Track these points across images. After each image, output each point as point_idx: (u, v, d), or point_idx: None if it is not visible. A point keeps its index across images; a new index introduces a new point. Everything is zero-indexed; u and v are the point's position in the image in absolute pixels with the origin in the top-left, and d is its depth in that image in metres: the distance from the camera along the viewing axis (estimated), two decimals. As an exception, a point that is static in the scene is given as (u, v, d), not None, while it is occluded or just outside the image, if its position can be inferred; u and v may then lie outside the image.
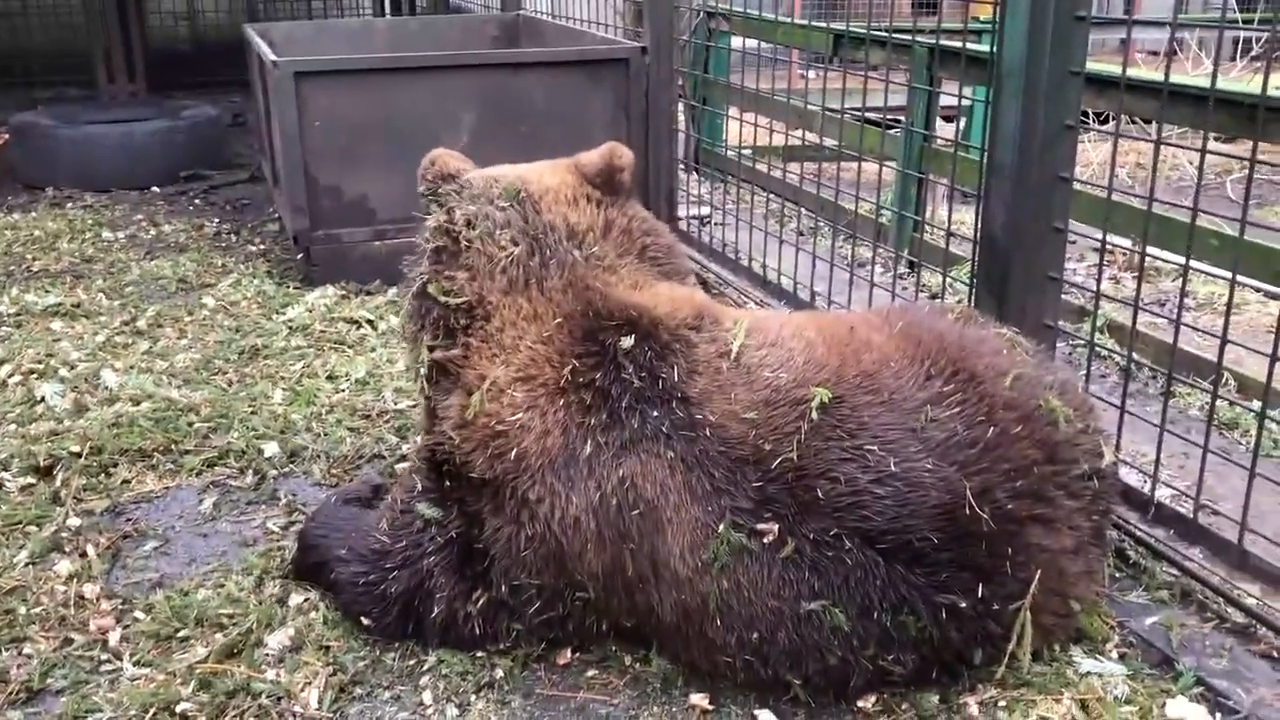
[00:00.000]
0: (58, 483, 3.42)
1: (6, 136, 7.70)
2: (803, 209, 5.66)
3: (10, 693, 2.54)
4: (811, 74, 7.82)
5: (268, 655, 2.67)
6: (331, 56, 5.70)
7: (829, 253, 4.63)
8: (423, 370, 2.72)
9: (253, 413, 3.91)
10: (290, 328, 4.73)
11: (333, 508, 2.95)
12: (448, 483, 2.60)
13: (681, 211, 5.97)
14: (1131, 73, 3.26)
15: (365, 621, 2.70)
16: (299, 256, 5.40)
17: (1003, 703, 2.44)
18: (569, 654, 2.67)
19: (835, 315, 3.05)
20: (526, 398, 2.50)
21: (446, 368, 2.65)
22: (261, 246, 5.99)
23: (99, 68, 9.63)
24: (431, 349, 2.67)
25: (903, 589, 2.29)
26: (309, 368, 4.31)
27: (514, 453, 2.47)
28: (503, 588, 2.57)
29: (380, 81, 5.22)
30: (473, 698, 2.55)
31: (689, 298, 2.75)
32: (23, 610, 2.82)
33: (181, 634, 2.74)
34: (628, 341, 2.54)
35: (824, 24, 5.21)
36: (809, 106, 4.98)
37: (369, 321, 4.78)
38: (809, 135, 4.97)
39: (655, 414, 2.45)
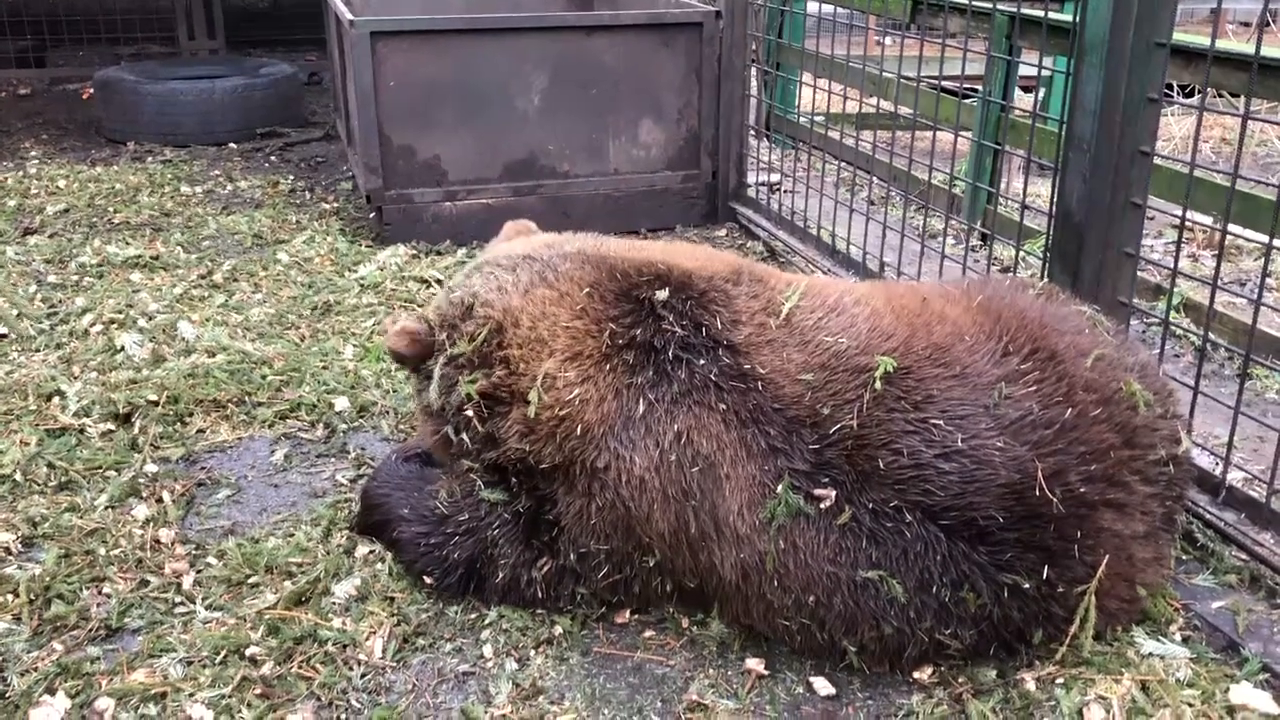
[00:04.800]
0: (136, 430, 3.53)
1: (91, 91, 7.87)
2: (874, 178, 5.59)
3: (91, 630, 2.64)
4: (888, 40, 7.70)
5: (334, 604, 2.74)
6: (407, 16, 5.73)
7: (900, 223, 4.57)
8: (468, 413, 2.61)
9: (324, 368, 3.98)
10: (361, 285, 4.80)
11: (394, 465, 3.00)
12: (514, 479, 2.63)
13: (751, 178, 5.94)
14: (1220, 44, 3.16)
15: (427, 580, 2.76)
16: (371, 215, 5.47)
17: (1060, 680, 2.43)
18: (627, 614, 2.71)
19: (908, 286, 3.02)
20: (578, 374, 2.50)
21: (495, 394, 2.59)
22: (335, 204, 6.08)
23: (180, 26, 9.79)
24: (473, 382, 2.60)
25: (964, 566, 2.28)
26: (379, 325, 4.37)
27: (578, 429, 2.48)
28: (570, 555, 2.60)
29: (454, 42, 5.25)
30: (532, 653, 2.59)
31: (720, 256, 2.75)
32: (102, 552, 2.92)
33: (252, 580, 2.82)
34: (663, 293, 2.55)
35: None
36: (884, 74, 4.91)
37: (438, 281, 4.84)
38: (883, 103, 4.90)
39: (702, 362, 2.45)
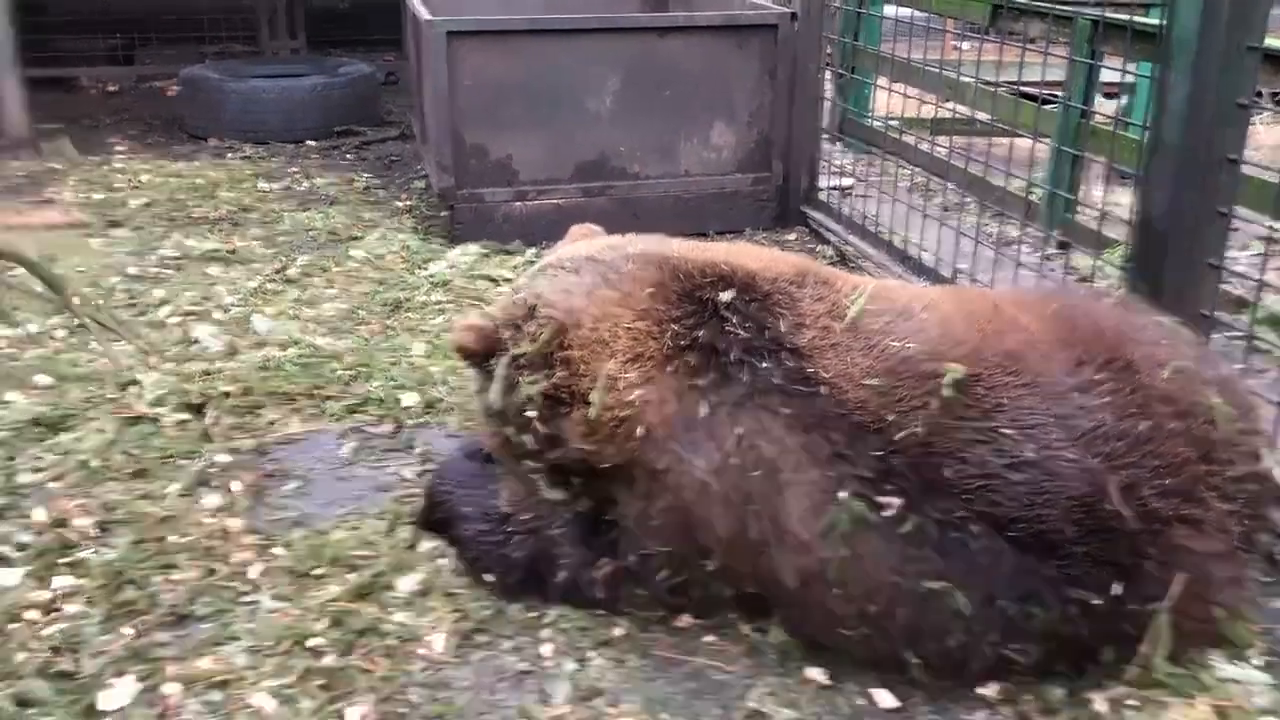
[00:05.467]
0: (208, 420, 3.59)
1: (177, 88, 8.06)
2: (949, 184, 5.50)
3: (160, 616, 2.69)
4: (965, 45, 7.58)
5: (396, 598, 2.76)
6: (483, 17, 5.78)
7: (974, 230, 4.49)
8: (529, 414, 2.60)
9: (393, 363, 4.02)
10: (432, 283, 4.85)
11: (458, 462, 3.01)
12: (575, 480, 2.62)
13: (822, 182, 5.88)
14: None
15: (488, 579, 2.76)
16: (443, 214, 5.52)
17: (1132, 702, 2.36)
18: (687, 618, 2.69)
19: (980, 292, 2.96)
20: (639, 375, 2.48)
21: (556, 396, 2.58)
22: (408, 202, 6.14)
23: (263, 25, 9.98)
24: (534, 383, 2.59)
25: (1032, 580, 2.23)
26: (449, 322, 4.41)
27: (639, 431, 2.46)
28: (630, 557, 2.59)
29: (529, 42, 5.28)
30: (591, 654, 2.59)
31: (785, 258, 2.71)
32: (173, 539, 2.97)
33: (316, 572, 2.85)
34: (727, 294, 2.52)
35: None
36: (963, 78, 4.83)
37: (507, 280, 4.86)
38: (960, 108, 4.82)
39: (765, 365, 2.41)
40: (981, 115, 4.99)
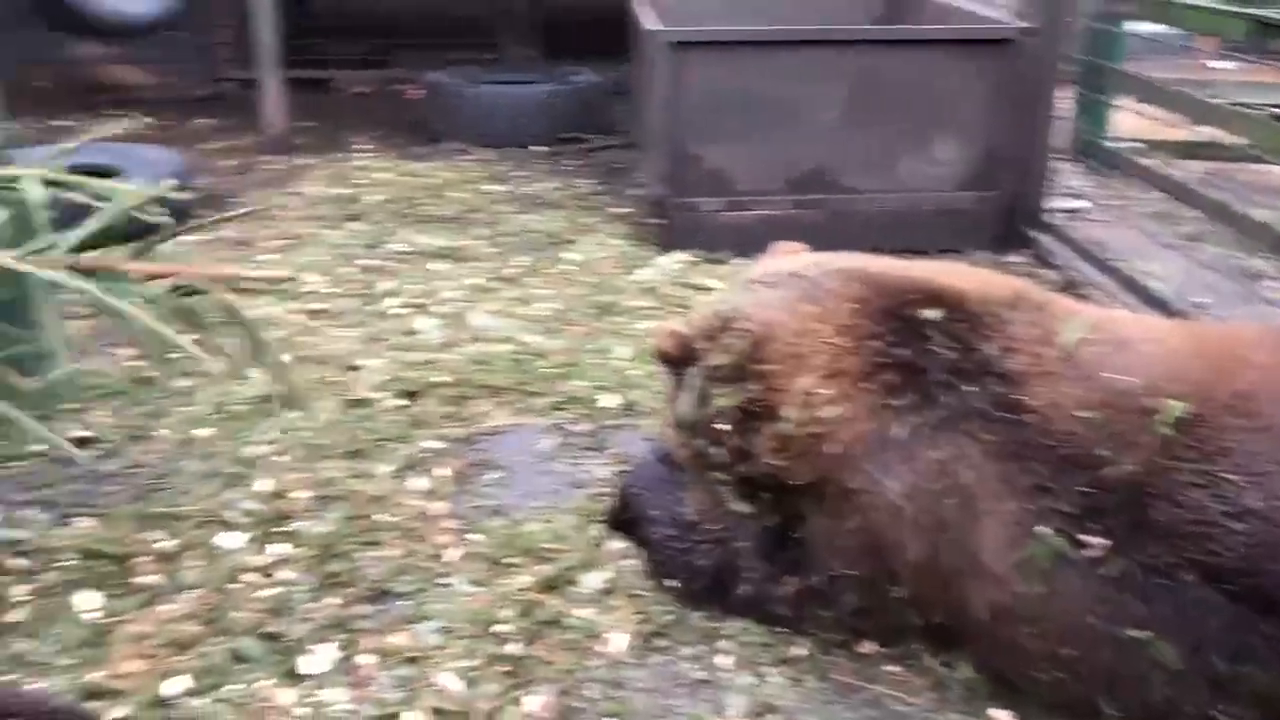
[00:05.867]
0: (422, 408, 3.77)
1: (422, 92, 8.49)
2: (1193, 211, 5.15)
3: (362, 589, 2.84)
4: (1224, 65, 7.10)
5: (582, 594, 2.81)
6: (707, 27, 5.82)
7: (1218, 261, 4.19)
8: (721, 426, 2.59)
9: (597, 365, 4.10)
10: (641, 288, 4.92)
11: (650, 465, 3.04)
12: (764, 494, 2.60)
13: (1052, 204, 5.61)
14: None
15: (671, 584, 2.77)
16: (657, 221, 5.58)
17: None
18: (871, 644, 2.62)
19: (1216, 327, 2.75)
20: (836, 393, 2.42)
21: (749, 409, 2.55)
22: (625, 209, 6.25)
23: (502, 34, 10.40)
24: (728, 395, 2.56)
25: (1249, 637, 2.05)
26: (653, 328, 4.46)
27: (832, 449, 2.42)
28: (816, 576, 2.54)
29: (752, 53, 5.28)
30: (769, 670, 2.56)
31: (999, 279, 2.59)
32: (380, 518, 3.13)
33: (509, 560, 2.94)
34: (934, 313, 2.43)
35: (1247, 10, 4.68)
36: (1216, 99, 4.51)
37: (714, 289, 4.87)
38: (1212, 131, 4.50)
39: (970, 389, 2.32)
40: (1237, 139, 4.65)
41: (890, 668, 2.56)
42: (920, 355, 2.40)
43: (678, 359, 2.74)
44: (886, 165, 5.46)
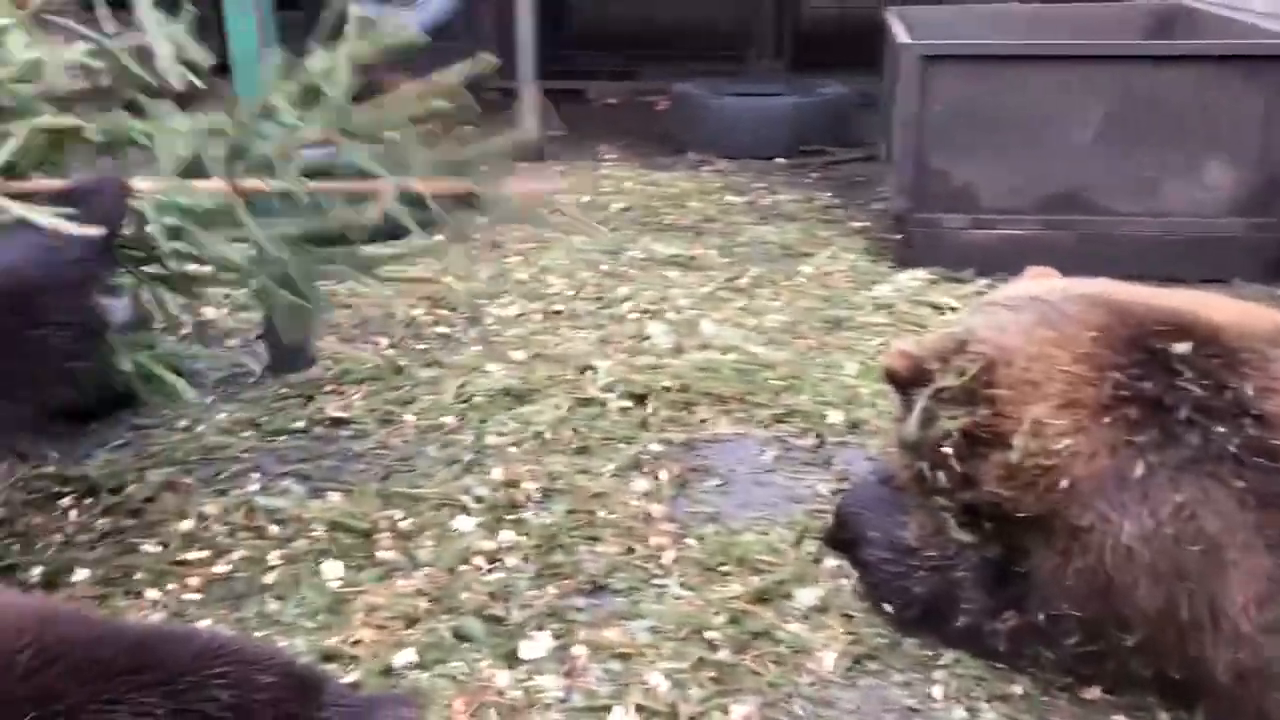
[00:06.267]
0: (648, 410, 3.84)
1: (663, 104, 8.67)
2: None
3: (580, 582, 2.93)
4: None
5: (794, 608, 2.80)
6: (960, 41, 5.67)
7: None
8: (946, 450, 2.51)
9: (824, 379, 4.07)
10: (875, 304, 4.84)
11: (871, 486, 2.99)
12: (987, 523, 2.51)
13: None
14: None
15: (886, 608, 2.72)
16: (896, 236, 5.48)
17: None
18: (1096, 690, 2.48)
19: None
20: (1070, 424, 2.31)
21: (977, 434, 2.47)
22: (864, 223, 6.17)
23: (750, 45, 10.48)
24: (955, 419, 2.49)
25: None
26: (886, 345, 4.38)
27: (1063, 482, 2.30)
28: (1039, 615, 2.44)
29: (1007, 68, 5.11)
30: (984, 705, 2.47)
31: (1264, 312, 2.39)
32: (601, 514, 3.22)
33: (723, 568, 2.97)
34: (1183, 347, 2.27)
35: None
36: None
37: (952, 309, 4.74)
38: None
39: (1220, 430, 2.16)
40: None
41: (1117, 717, 2.42)
42: (1165, 390, 2.26)
43: (907, 380, 2.68)
44: (1148, 187, 5.15)
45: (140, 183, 2.87)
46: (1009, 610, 2.49)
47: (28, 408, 2.60)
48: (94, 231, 2.61)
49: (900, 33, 5.61)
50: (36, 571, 2.91)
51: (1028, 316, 2.51)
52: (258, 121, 3.03)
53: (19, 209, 2.62)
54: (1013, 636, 2.50)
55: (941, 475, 2.53)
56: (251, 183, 2.97)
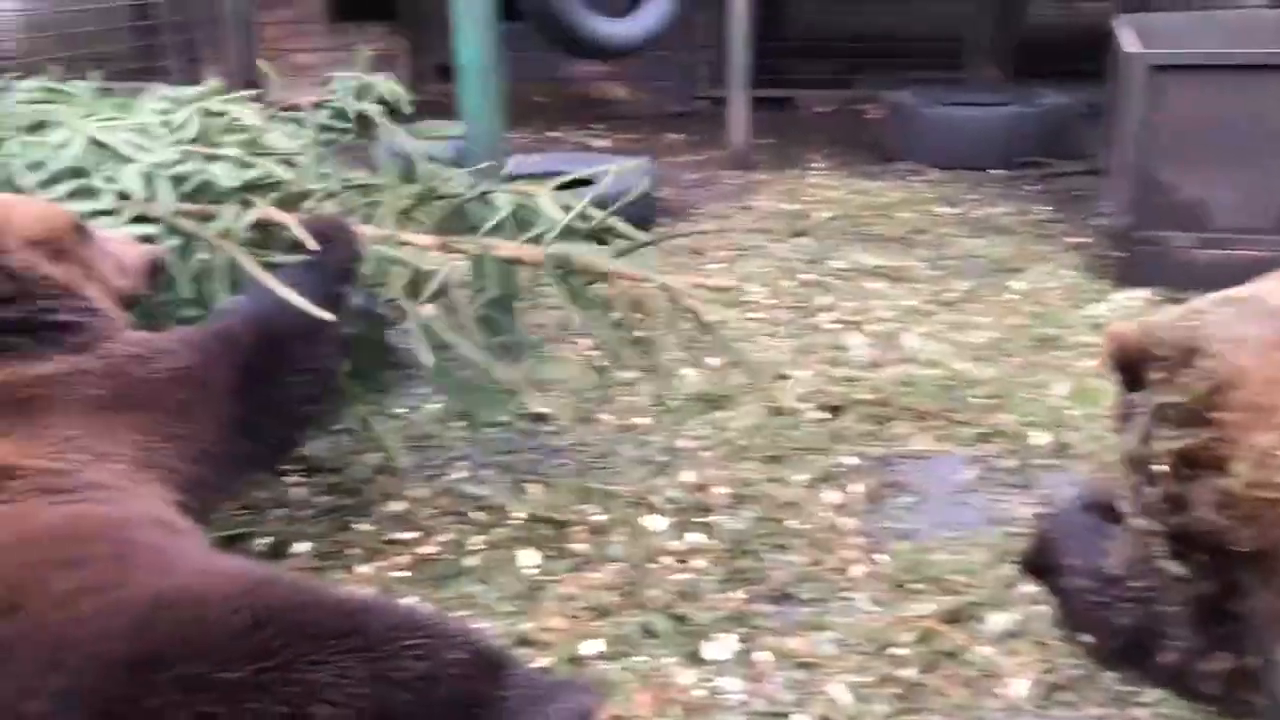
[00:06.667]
0: (843, 422, 3.82)
1: (882, 112, 8.54)
2: None
3: (766, 588, 2.94)
4: None
5: (985, 631, 2.73)
6: (1192, 50, 5.37)
7: None
8: (1161, 467, 2.36)
9: (1031, 399, 3.94)
10: (1090, 324, 4.64)
11: (1073, 511, 2.86)
12: (1200, 555, 2.37)
13: None
14: None
15: (1084, 638, 2.61)
16: (1116, 254, 5.23)
17: None
18: (1315, 746, 2.31)
19: None
20: None
21: (1195, 456, 2.31)
22: (1082, 239, 5.91)
23: (969, 54, 10.20)
24: (1174, 438, 2.37)
25: None
26: (1098, 367, 4.20)
27: None
28: (1256, 659, 2.29)
29: (1245, 78, 4.81)
30: (1188, 753, 2.35)
31: None
32: (791, 524, 3.22)
33: (913, 586, 2.92)
34: None
35: None
36: None
37: (1175, 332, 4.49)
38: None
39: None
40: None
41: (1336, 777, 2.25)
42: None
43: (1113, 361, 2.55)
44: None
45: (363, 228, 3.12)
46: (1220, 652, 2.35)
47: (270, 451, 2.81)
48: (338, 283, 2.81)
49: (1128, 41, 5.35)
50: (264, 542, 3.15)
51: (1269, 333, 2.36)
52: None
53: (298, 229, 2.87)
54: (1223, 680, 2.36)
55: (1152, 492, 2.42)
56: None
